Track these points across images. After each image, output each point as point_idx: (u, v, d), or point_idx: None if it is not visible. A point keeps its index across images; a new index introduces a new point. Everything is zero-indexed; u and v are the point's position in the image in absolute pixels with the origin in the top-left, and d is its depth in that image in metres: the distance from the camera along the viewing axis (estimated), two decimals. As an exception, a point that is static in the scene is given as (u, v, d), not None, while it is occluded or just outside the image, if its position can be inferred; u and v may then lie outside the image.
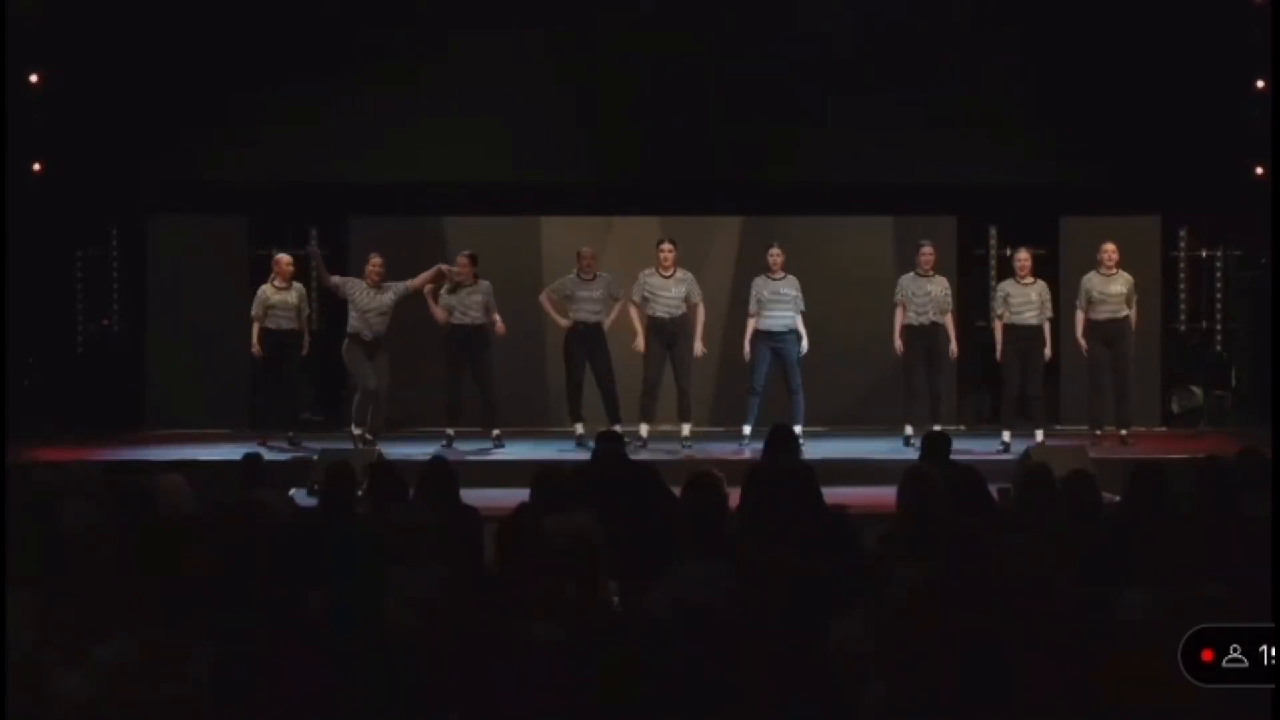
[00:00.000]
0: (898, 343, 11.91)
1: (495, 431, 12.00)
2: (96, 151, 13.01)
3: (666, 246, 11.83)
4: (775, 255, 11.87)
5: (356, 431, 11.55)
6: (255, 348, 12.02)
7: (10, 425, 10.88)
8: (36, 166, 12.99)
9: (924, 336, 11.86)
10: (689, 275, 11.93)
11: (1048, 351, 11.80)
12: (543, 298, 12.15)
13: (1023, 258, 11.80)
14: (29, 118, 12.79)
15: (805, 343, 11.82)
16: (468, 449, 11.72)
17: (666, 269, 11.81)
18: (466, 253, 12.06)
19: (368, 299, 11.68)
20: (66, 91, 12.99)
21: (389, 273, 11.85)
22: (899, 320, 11.90)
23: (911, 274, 11.93)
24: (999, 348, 11.79)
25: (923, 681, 3.73)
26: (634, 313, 11.89)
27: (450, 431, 12.01)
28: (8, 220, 11.90)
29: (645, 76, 13.02)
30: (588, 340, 11.90)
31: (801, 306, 11.85)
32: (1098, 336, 11.83)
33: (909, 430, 11.75)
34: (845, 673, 3.95)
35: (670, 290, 11.78)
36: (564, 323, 11.96)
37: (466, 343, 11.92)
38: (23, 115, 12.65)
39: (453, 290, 11.93)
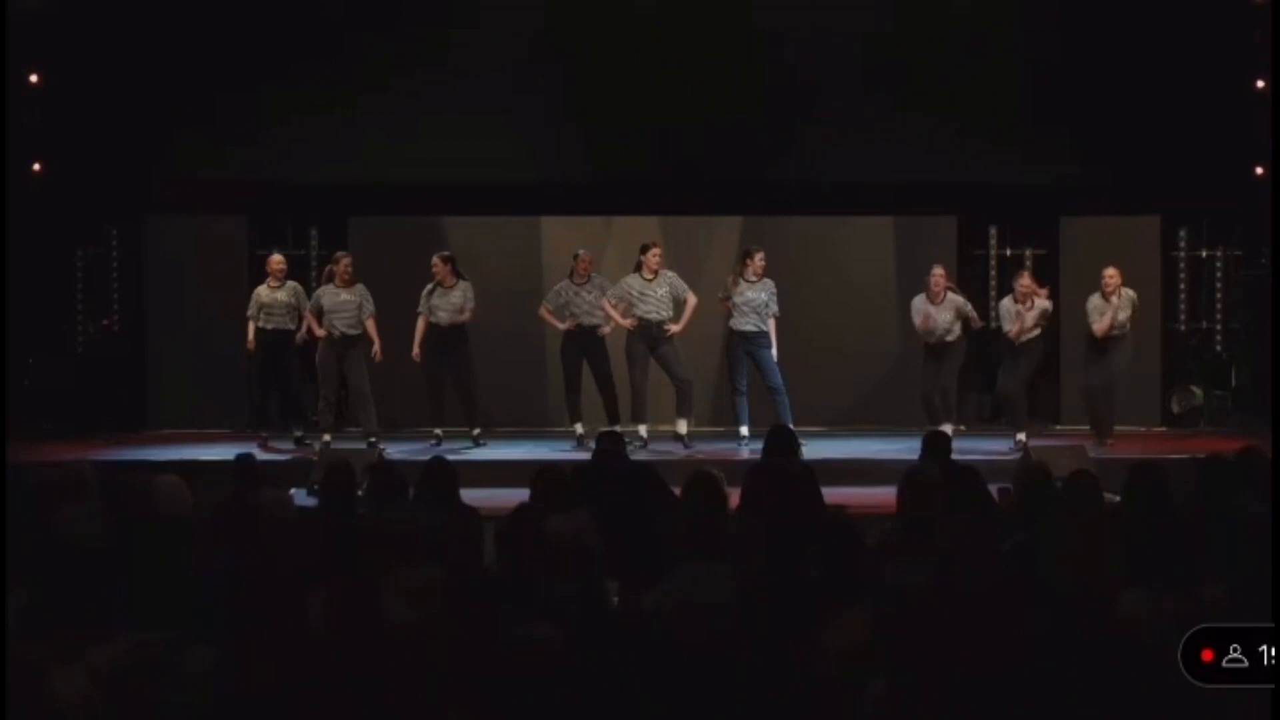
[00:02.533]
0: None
1: (475, 430, 11.98)
2: (96, 151, 13.01)
3: (656, 250, 11.83)
4: (759, 261, 11.83)
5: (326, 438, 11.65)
6: (250, 343, 12.05)
7: (10, 425, 10.88)
8: (36, 166, 12.99)
9: (936, 349, 11.86)
10: (671, 274, 11.91)
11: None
12: (541, 311, 12.14)
13: (1024, 283, 11.77)
14: (29, 118, 12.79)
15: (775, 350, 11.78)
16: (454, 448, 11.71)
17: (651, 272, 11.80)
18: (443, 254, 12.05)
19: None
20: (66, 91, 12.99)
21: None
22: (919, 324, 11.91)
23: (923, 296, 11.89)
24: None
25: (923, 682, 3.73)
26: (608, 307, 11.87)
27: (438, 431, 12.00)
28: (8, 220, 11.91)
29: (645, 77, 13.00)
30: (584, 342, 11.91)
31: (774, 310, 11.79)
32: (1092, 346, 11.85)
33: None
34: (845, 673, 3.95)
35: (655, 292, 11.78)
36: (563, 326, 11.96)
37: (442, 343, 11.91)
38: (23, 115, 12.66)
39: (432, 292, 11.92)
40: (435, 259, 11.97)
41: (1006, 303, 11.78)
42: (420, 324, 11.93)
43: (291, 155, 13.06)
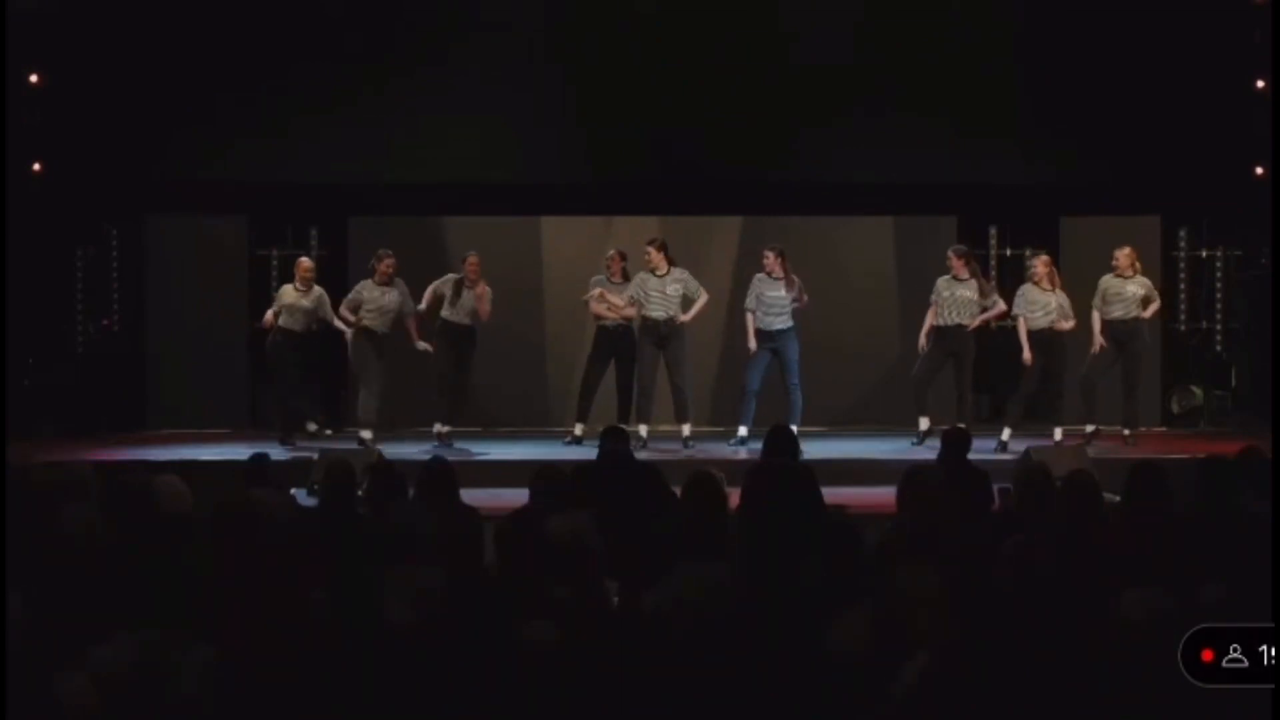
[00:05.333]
0: (922, 340, 11.84)
1: (445, 429, 11.92)
2: (96, 151, 13.01)
3: (649, 249, 11.84)
4: (769, 260, 11.85)
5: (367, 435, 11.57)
6: (268, 322, 11.89)
7: (10, 425, 10.88)
8: (36, 166, 12.99)
9: (947, 337, 11.76)
10: (684, 273, 11.92)
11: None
12: (597, 308, 12.04)
13: (1039, 268, 11.74)
14: (29, 118, 12.79)
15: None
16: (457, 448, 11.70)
17: (658, 270, 11.81)
18: (475, 253, 12.04)
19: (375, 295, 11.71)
20: (66, 91, 12.99)
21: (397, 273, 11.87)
22: (929, 321, 11.82)
23: (947, 278, 11.83)
24: (1026, 349, 11.70)
25: (924, 680, 3.73)
26: (610, 298, 11.87)
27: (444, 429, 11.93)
28: (8, 220, 11.91)
29: (645, 76, 13.01)
30: (615, 345, 11.90)
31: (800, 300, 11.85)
32: (1110, 336, 11.76)
33: (925, 423, 11.72)
34: (845, 673, 3.95)
35: (665, 289, 11.78)
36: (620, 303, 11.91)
37: (457, 341, 11.91)
38: (23, 115, 12.66)
39: (458, 291, 11.90)
40: (473, 258, 11.89)
41: (1033, 292, 11.69)
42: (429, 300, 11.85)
43: (291, 155, 13.06)
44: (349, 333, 11.77)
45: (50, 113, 12.98)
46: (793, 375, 11.83)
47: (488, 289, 11.90)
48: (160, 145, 13.05)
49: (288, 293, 11.92)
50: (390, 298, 11.75)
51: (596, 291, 11.99)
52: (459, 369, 11.95)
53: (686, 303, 11.88)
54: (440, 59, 13.04)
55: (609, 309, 11.94)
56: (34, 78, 12.86)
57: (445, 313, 11.89)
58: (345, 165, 13.10)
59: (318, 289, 11.97)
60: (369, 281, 11.78)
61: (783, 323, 11.82)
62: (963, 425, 11.39)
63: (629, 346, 11.95)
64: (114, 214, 13.84)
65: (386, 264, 11.76)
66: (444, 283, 11.94)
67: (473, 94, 13.02)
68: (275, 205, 13.82)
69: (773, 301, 11.80)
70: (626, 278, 12.01)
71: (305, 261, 12.11)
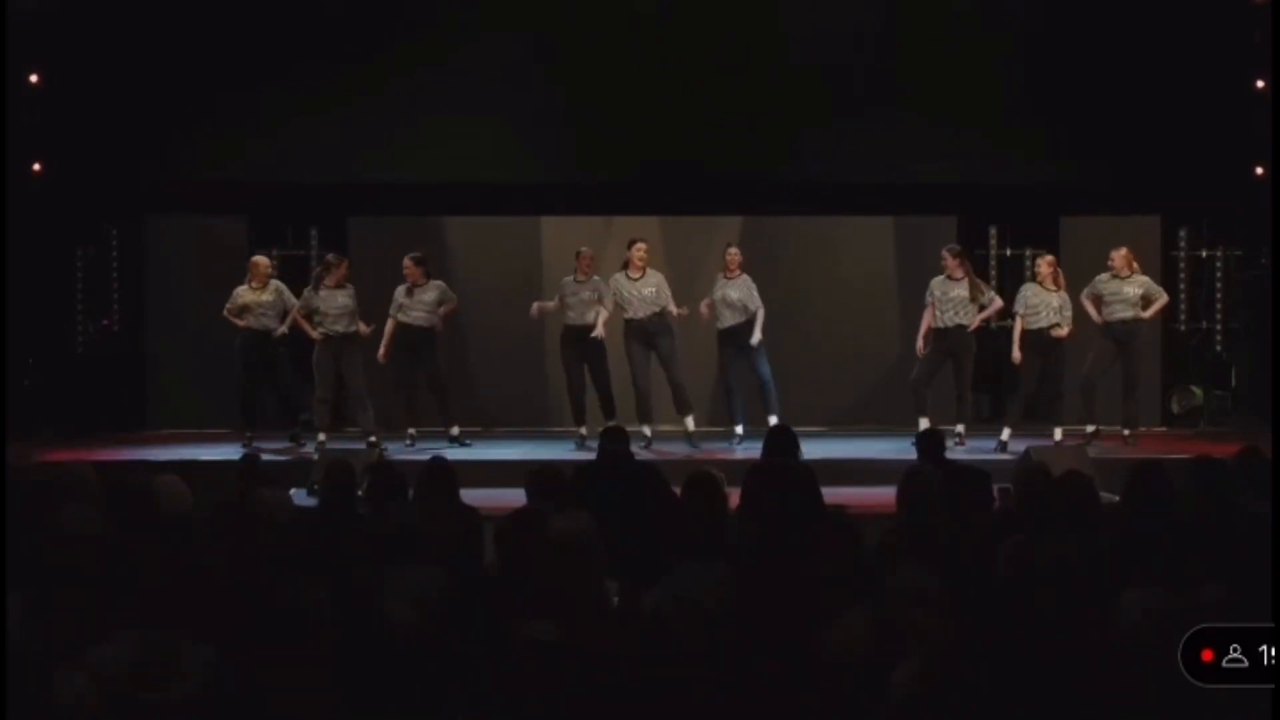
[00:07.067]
0: (919, 343, 11.83)
1: (455, 430, 11.96)
2: (96, 151, 13.01)
3: (641, 246, 11.80)
4: (732, 255, 11.83)
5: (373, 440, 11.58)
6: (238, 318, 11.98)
7: (10, 425, 10.89)
8: (36, 166, 12.99)
9: (945, 338, 11.71)
10: (658, 275, 11.85)
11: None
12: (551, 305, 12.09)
13: (1044, 268, 11.73)
14: (29, 118, 12.80)
15: (757, 335, 11.68)
16: (431, 448, 11.67)
17: (633, 273, 11.77)
18: (413, 255, 12.01)
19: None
20: (66, 91, 13.00)
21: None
22: (925, 322, 11.79)
23: (941, 278, 11.82)
24: (1015, 348, 11.67)
25: (922, 680, 3.73)
26: (602, 311, 11.80)
27: (412, 431, 11.91)
28: (8, 220, 11.91)
29: (645, 76, 13.01)
30: (580, 344, 11.85)
31: (754, 306, 11.74)
32: (1109, 336, 11.76)
33: (925, 424, 11.72)
34: (845, 673, 3.95)
35: (640, 291, 11.73)
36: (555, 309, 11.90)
37: (413, 344, 11.88)
38: (23, 115, 12.67)
39: (409, 292, 11.90)
40: (406, 260, 11.92)
41: (1036, 294, 11.66)
42: (389, 326, 11.88)
43: (291, 155, 13.06)
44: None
45: (50, 113, 12.99)
46: (761, 370, 11.77)
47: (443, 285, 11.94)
48: (160, 145, 13.05)
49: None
50: (344, 300, 11.76)
51: (550, 306, 11.88)
52: (426, 370, 11.92)
53: (662, 300, 11.76)
54: (440, 59, 13.04)
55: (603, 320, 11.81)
56: (34, 78, 12.87)
57: (400, 317, 11.85)
58: (345, 165, 13.10)
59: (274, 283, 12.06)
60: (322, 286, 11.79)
61: (732, 320, 11.78)
62: (961, 428, 11.46)
63: (596, 347, 11.86)
64: (114, 214, 13.84)
65: (344, 268, 11.81)
66: (398, 291, 11.94)
67: (473, 94, 13.01)
68: (275, 205, 13.82)
69: (729, 301, 11.77)
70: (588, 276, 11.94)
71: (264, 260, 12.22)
